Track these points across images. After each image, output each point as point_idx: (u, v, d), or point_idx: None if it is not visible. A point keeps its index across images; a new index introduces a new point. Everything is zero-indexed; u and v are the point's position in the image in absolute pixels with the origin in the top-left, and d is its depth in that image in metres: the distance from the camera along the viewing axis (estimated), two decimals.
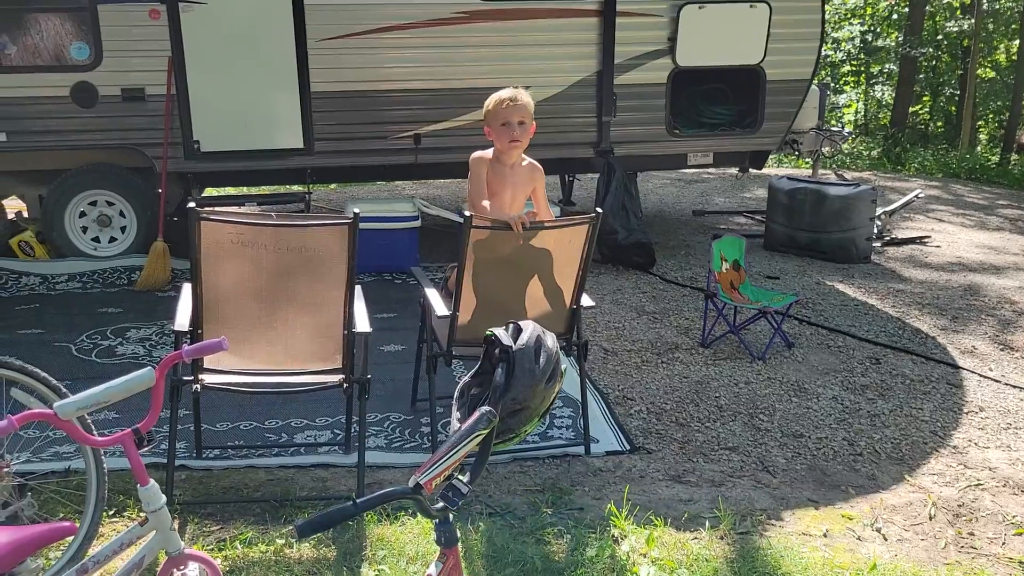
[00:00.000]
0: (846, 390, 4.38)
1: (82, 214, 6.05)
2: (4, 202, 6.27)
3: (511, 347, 1.79)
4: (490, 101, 3.47)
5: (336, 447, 3.66)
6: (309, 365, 3.14)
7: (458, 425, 1.72)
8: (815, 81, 6.93)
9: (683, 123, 6.88)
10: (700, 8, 6.32)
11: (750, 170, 7.40)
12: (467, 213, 3.20)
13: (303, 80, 5.94)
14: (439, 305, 3.50)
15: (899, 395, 4.33)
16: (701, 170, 10.87)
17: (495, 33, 6.14)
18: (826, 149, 7.66)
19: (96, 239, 6.11)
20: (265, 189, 7.94)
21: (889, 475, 3.58)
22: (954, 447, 3.82)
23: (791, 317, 5.30)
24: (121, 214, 6.09)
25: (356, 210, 2.92)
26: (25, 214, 6.57)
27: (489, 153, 3.54)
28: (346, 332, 3.09)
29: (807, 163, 10.55)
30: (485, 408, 1.66)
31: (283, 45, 5.87)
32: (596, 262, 6.66)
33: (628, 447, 3.75)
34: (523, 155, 3.60)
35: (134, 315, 5.17)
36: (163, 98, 5.79)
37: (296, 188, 7.58)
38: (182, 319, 3.01)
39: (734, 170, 8.54)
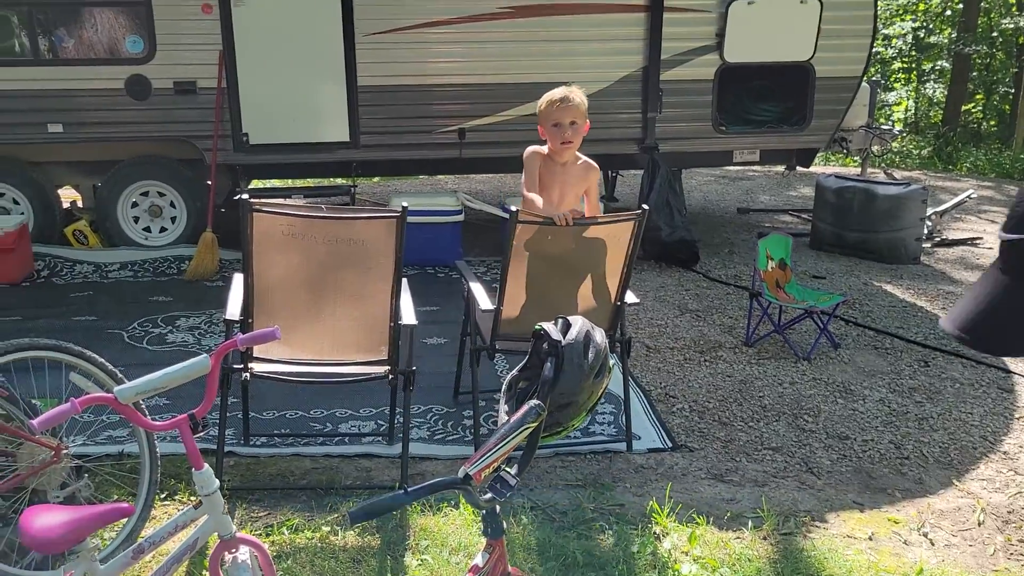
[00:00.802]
0: (893, 392, 4.31)
1: (134, 204, 6.19)
2: (60, 192, 6.42)
3: (560, 341, 1.80)
4: (542, 100, 3.44)
5: (380, 438, 3.70)
6: (355, 356, 3.18)
7: (506, 418, 1.73)
8: (865, 78, 6.81)
9: (729, 120, 6.82)
10: (749, 4, 6.25)
11: (797, 168, 7.30)
12: (513, 208, 3.22)
13: (350, 74, 6.01)
14: (483, 299, 3.52)
15: (948, 399, 4.25)
16: (746, 167, 10.75)
17: (540, 28, 6.15)
18: (875, 148, 7.54)
19: (147, 229, 6.25)
20: (311, 182, 8.05)
21: (937, 479, 3.52)
22: (1004, 452, 3.75)
23: (838, 317, 5.23)
24: (172, 204, 6.22)
25: (404, 203, 2.95)
26: (80, 203, 6.73)
27: (544, 149, 3.53)
28: (392, 324, 3.13)
29: (855, 161, 10.38)
30: (534, 401, 1.68)
31: (331, 40, 5.94)
32: (639, 259, 6.61)
33: (670, 445, 3.74)
34: (578, 153, 3.57)
35: (184, 304, 5.28)
36: (214, 91, 5.89)
37: (341, 181, 7.67)
38: (233, 308, 3.06)
39: (780, 168, 8.43)
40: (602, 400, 3.96)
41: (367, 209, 2.90)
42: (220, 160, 6.05)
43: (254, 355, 3.11)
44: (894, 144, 12.32)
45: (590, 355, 1.81)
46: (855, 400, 4.22)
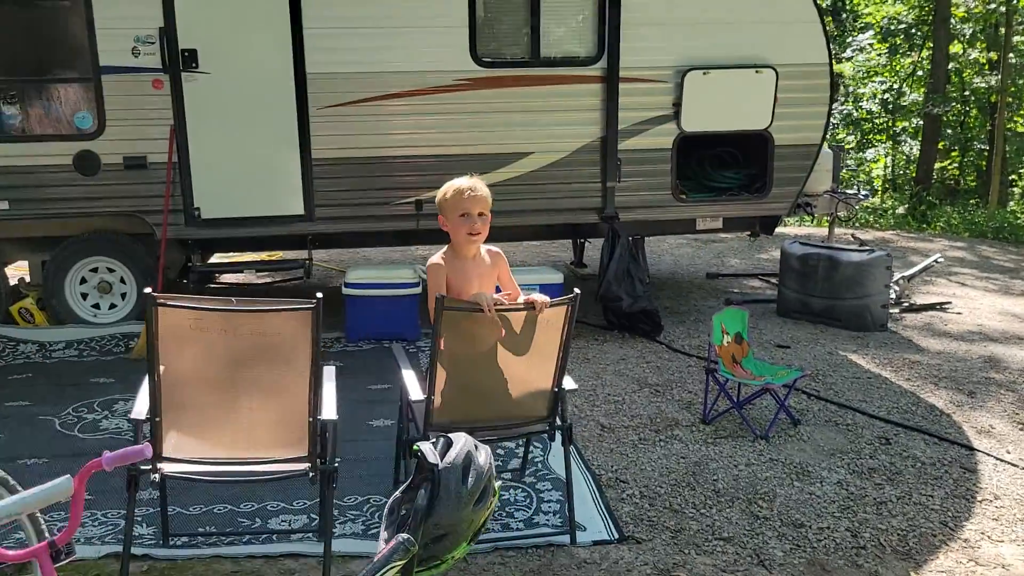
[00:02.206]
0: (852, 473, 4.16)
1: (83, 280, 6.05)
2: (8, 269, 6.29)
3: (437, 464, 1.66)
4: (447, 190, 3.36)
5: (311, 534, 3.52)
6: (274, 453, 3.01)
7: (383, 546, 1.58)
8: (827, 143, 6.79)
9: (691, 187, 6.77)
10: (704, 74, 6.25)
11: (760, 235, 7.23)
12: (438, 294, 3.10)
13: (304, 147, 5.94)
14: (414, 388, 3.38)
15: (909, 480, 4.10)
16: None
17: (497, 100, 6.12)
18: (842, 212, 7.50)
19: (96, 305, 6.10)
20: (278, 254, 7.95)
21: (893, 572, 3.35)
22: (965, 540, 3.58)
23: (799, 391, 5.10)
24: (122, 280, 6.09)
25: (319, 295, 2.82)
26: (28, 279, 6.58)
27: (440, 257, 3.42)
28: (311, 419, 2.97)
29: (827, 221, 10.37)
30: (403, 536, 1.54)
31: (284, 113, 5.89)
32: (602, 328, 6.52)
33: (617, 536, 3.57)
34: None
35: (124, 386, 5.10)
36: (164, 166, 5.80)
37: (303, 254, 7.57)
38: (140, 407, 2.91)
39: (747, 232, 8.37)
40: (544, 487, 3.78)
41: (280, 302, 2.76)
42: (171, 235, 5.94)
43: (163, 455, 2.94)
44: (867, 203, 12.34)
45: (470, 480, 1.67)
46: (812, 482, 4.06)
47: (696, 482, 4.07)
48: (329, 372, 3.44)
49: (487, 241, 3.50)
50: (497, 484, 1.71)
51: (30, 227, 5.97)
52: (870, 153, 20.04)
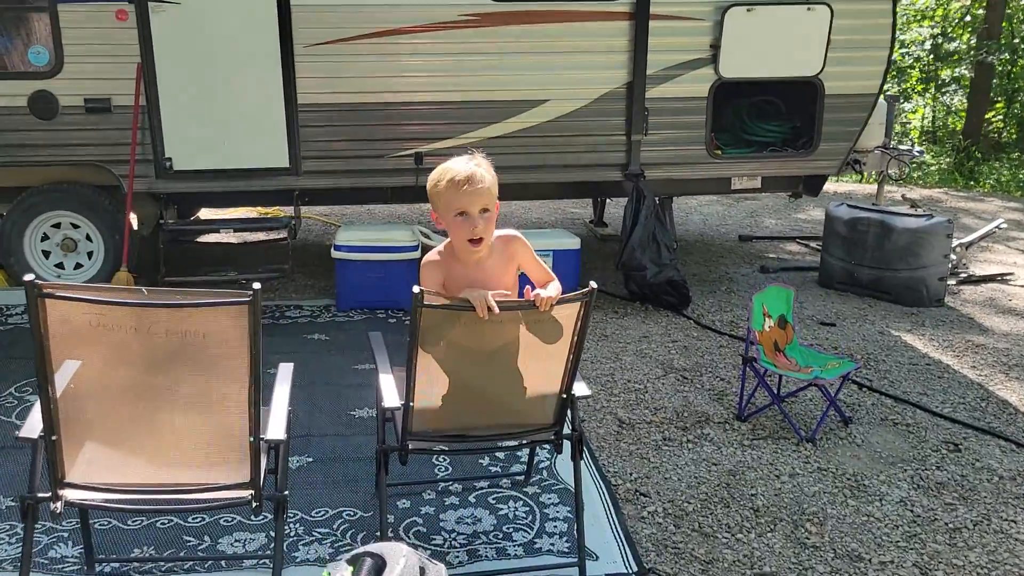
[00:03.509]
0: (917, 489, 3.50)
1: (44, 237, 5.43)
2: None
3: None
4: (439, 179, 2.57)
5: (267, 560, 2.92)
6: (206, 478, 2.39)
7: None
8: (882, 94, 6.00)
9: (727, 142, 6.02)
10: (748, 10, 5.44)
11: (806, 195, 6.48)
12: (416, 289, 2.43)
13: (288, 91, 5.24)
14: (390, 391, 2.75)
15: (986, 499, 3.44)
16: None
17: (509, 39, 5.36)
18: (893, 171, 6.71)
19: (60, 265, 5.49)
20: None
21: None
22: None
23: (851, 381, 4.43)
24: (88, 238, 5.46)
25: (256, 285, 2.17)
26: None
27: (439, 254, 2.70)
28: (253, 439, 2.35)
29: (873, 178, 9.55)
30: None
31: (266, 51, 5.17)
32: (623, 300, 5.85)
33: (635, 569, 2.95)
34: None
35: None
36: (131, 110, 5.13)
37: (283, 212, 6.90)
38: (32, 423, 2.30)
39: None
40: (551, 502, 3.15)
41: (206, 294, 2.12)
42: (140, 188, 5.29)
43: (65, 480, 2.33)
44: (917, 161, 11.45)
45: None
46: (870, 500, 3.41)
47: (731, 496, 3.43)
48: (285, 371, 2.81)
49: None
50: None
51: None
52: (908, 105, 18.94)
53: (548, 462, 3.62)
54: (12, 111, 5.08)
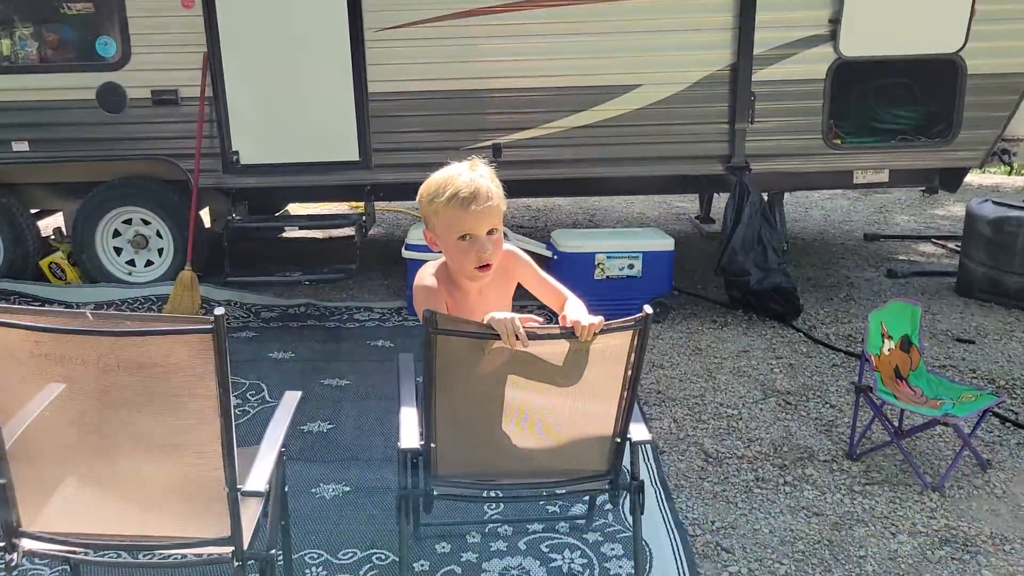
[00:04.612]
0: None
1: (116, 234, 5.32)
2: (47, 218, 5.65)
3: None
4: (436, 193, 2.13)
5: None
6: (177, 532, 2.04)
7: None
8: None
9: (847, 129, 5.30)
10: None
11: (943, 190, 5.68)
12: (426, 310, 1.99)
13: (358, 79, 4.90)
14: (409, 430, 2.32)
15: None
16: None
17: (596, 18, 4.84)
18: None
19: (131, 262, 5.37)
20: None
21: None
22: None
23: (991, 414, 3.71)
24: (158, 234, 5.31)
25: (219, 311, 1.77)
26: (64, 231, 5.91)
27: (435, 279, 2.26)
28: (228, 490, 1.97)
29: None
30: None
31: (335, 37, 4.85)
32: (723, 307, 5.25)
33: None
34: None
35: None
36: (197, 101, 4.91)
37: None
38: None
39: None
40: (613, 554, 2.66)
41: (161, 320, 1.74)
42: (207, 183, 5.08)
43: (21, 528, 2.02)
44: None
45: None
46: (1013, 569, 2.75)
47: (834, 558, 2.84)
48: (288, 402, 2.43)
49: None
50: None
51: (54, 171, 5.25)
52: None
53: (612, 506, 3.12)
54: (81, 104, 4.95)
